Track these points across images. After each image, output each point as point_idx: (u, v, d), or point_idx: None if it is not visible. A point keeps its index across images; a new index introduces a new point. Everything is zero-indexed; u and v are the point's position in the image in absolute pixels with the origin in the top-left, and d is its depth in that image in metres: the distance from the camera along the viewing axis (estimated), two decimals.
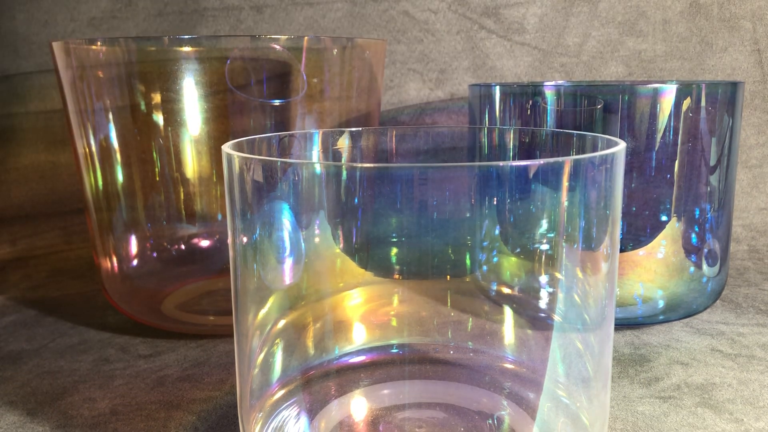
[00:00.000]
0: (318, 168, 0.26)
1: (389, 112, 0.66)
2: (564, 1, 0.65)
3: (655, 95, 0.42)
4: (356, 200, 0.31)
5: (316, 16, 0.65)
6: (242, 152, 0.28)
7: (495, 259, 0.33)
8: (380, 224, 0.33)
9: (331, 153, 0.36)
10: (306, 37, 0.44)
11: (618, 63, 0.65)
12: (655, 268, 0.45)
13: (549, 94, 0.44)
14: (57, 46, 0.44)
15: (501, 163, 0.25)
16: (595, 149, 0.30)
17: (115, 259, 0.48)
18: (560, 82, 0.59)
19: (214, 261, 0.51)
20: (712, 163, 0.44)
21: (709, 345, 0.42)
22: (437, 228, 0.28)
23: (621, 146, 0.26)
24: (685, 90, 0.42)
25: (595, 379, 0.28)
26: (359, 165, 0.26)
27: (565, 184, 0.25)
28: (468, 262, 0.34)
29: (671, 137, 0.42)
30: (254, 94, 0.44)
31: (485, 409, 0.32)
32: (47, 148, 0.67)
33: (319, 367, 0.34)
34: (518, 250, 0.32)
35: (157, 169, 0.46)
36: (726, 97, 0.43)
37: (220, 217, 0.50)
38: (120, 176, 0.46)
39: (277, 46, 0.44)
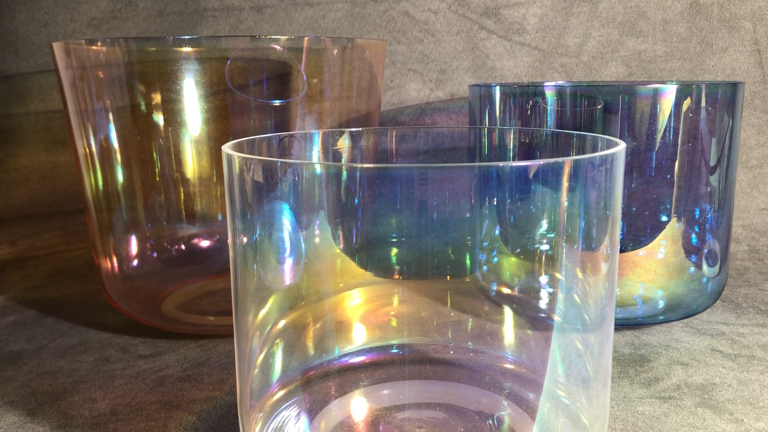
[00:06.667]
0: (318, 168, 0.26)
1: (389, 112, 0.66)
2: (564, 2, 0.65)
3: (655, 95, 0.42)
4: (356, 200, 0.31)
5: (316, 17, 0.65)
6: (242, 152, 0.28)
7: (495, 259, 0.33)
8: (380, 224, 0.33)
9: (331, 153, 0.36)
10: (306, 38, 0.44)
11: (618, 63, 0.65)
12: (655, 268, 0.45)
13: (549, 94, 0.44)
14: (57, 47, 0.44)
15: (501, 164, 0.25)
16: (595, 150, 0.30)
17: (115, 260, 0.48)
18: (560, 82, 0.59)
19: (214, 261, 0.51)
20: (712, 163, 0.44)
21: (709, 345, 0.42)
22: (437, 228, 0.28)
23: (621, 146, 0.26)
24: (685, 90, 0.42)
25: (595, 380, 0.28)
26: (359, 165, 0.26)
27: (565, 184, 0.25)
28: (468, 262, 0.34)
29: (671, 137, 0.42)
30: (254, 95, 0.44)
31: (485, 409, 0.32)
32: (47, 148, 0.67)
33: (319, 367, 0.34)
34: (518, 250, 0.32)
35: (157, 170, 0.46)
36: (726, 98, 0.43)
37: (220, 217, 0.50)
38: (120, 176, 0.46)
39: (277, 47, 0.44)
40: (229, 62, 0.43)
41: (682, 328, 0.45)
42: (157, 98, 0.44)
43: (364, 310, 0.37)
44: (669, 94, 0.42)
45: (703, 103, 0.42)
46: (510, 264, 0.33)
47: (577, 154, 0.32)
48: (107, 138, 0.45)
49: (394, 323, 0.37)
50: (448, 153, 0.38)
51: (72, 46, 0.43)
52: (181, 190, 0.47)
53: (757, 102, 0.66)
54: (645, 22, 0.65)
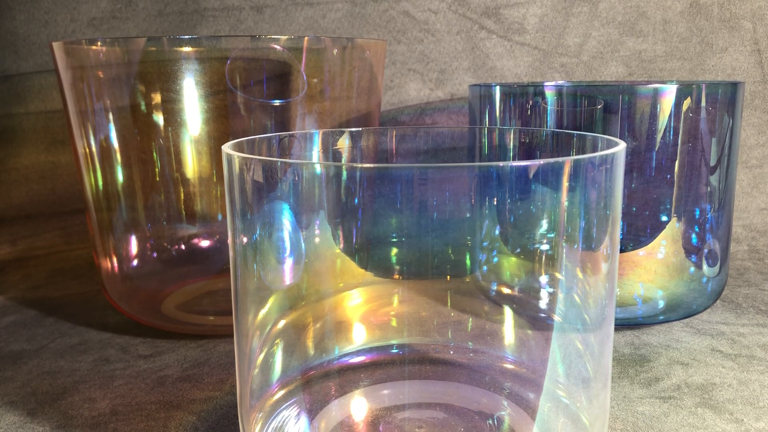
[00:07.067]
0: (318, 168, 0.26)
1: (389, 112, 0.66)
2: (564, 1, 0.65)
3: (655, 95, 0.42)
4: (356, 200, 0.31)
5: (316, 16, 0.65)
6: (242, 152, 0.28)
7: (495, 259, 0.33)
8: (380, 224, 0.33)
9: (331, 153, 0.36)
10: (306, 38, 0.44)
11: (618, 63, 0.65)
12: (655, 268, 0.45)
13: (549, 94, 0.44)
14: (57, 47, 0.44)
15: (501, 164, 0.25)
16: (595, 149, 0.30)
17: (115, 259, 0.48)
18: (560, 82, 0.59)
19: (214, 261, 0.51)
20: (712, 163, 0.44)
21: (709, 345, 0.42)
22: (437, 228, 0.28)
23: (621, 146, 0.26)
24: (685, 90, 0.42)
25: (595, 380, 0.28)
26: (359, 165, 0.26)
27: (565, 184, 0.25)
28: (468, 262, 0.34)
29: (671, 137, 0.42)
30: (254, 95, 0.44)
31: (485, 409, 0.32)
32: (47, 148, 0.67)
33: (319, 367, 0.34)
34: (518, 250, 0.32)
35: (157, 170, 0.46)
36: (726, 98, 0.43)
37: (220, 217, 0.50)
38: (120, 176, 0.46)
39: (278, 47, 0.44)
40: (229, 62, 0.43)
41: (682, 328, 0.45)
42: (157, 98, 0.44)
43: (364, 310, 0.37)
44: (669, 94, 0.42)
45: (703, 103, 0.42)
46: (510, 264, 0.33)
47: (577, 154, 0.32)
48: (107, 138, 0.45)
49: (394, 323, 0.37)
50: (448, 153, 0.38)
51: (72, 46, 0.43)
52: (181, 190, 0.47)
53: (757, 102, 0.66)
54: (645, 22, 0.65)
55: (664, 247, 0.45)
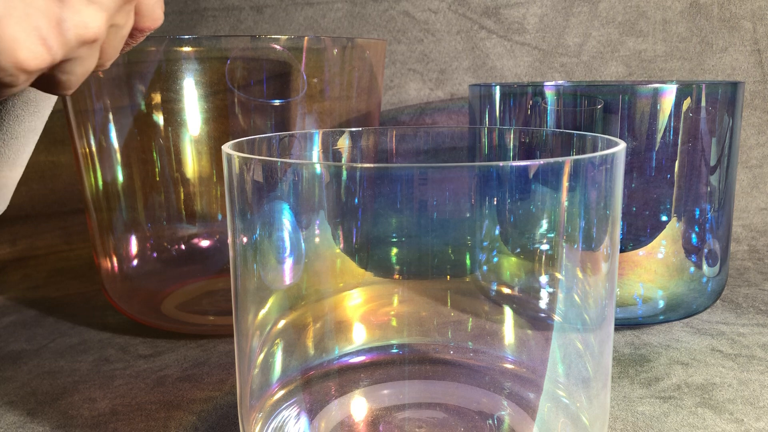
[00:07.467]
0: (318, 168, 0.26)
1: (389, 112, 0.66)
2: (564, 1, 0.65)
3: (655, 95, 0.42)
4: (356, 200, 0.31)
5: (316, 16, 0.65)
6: (242, 152, 0.28)
7: (495, 259, 0.33)
8: (380, 224, 0.33)
9: (331, 153, 0.36)
10: (306, 37, 0.44)
11: (618, 63, 0.65)
12: (655, 268, 0.45)
13: (549, 94, 0.44)
14: None
15: (501, 163, 0.25)
16: (595, 149, 0.30)
17: (115, 259, 0.48)
18: (560, 82, 0.59)
19: (214, 261, 0.51)
20: (712, 163, 0.44)
21: (709, 345, 0.42)
22: (437, 228, 0.28)
23: (621, 146, 0.26)
24: (685, 90, 0.42)
25: (595, 379, 0.28)
26: (359, 165, 0.26)
27: (565, 184, 0.25)
28: (468, 262, 0.34)
29: (671, 137, 0.42)
30: (254, 94, 0.44)
31: (485, 409, 0.32)
32: (47, 148, 0.67)
33: (319, 367, 0.34)
34: (518, 250, 0.32)
35: (157, 169, 0.46)
36: (726, 97, 0.43)
37: (220, 217, 0.50)
38: (120, 176, 0.46)
39: (277, 46, 0.44)
40: (229, 62, 0.43)
41: (682, 328, 0.45)
42: (157, 98, 0.44)
43: (364, 310, 0.37)
44: (669, 94, 0.42)
45: (703, 103, 0.42)
46: (510, 264, 0.33)
47: (577, 154, 0.32)
48: (107, 138, 0.45)
49: (394, 323, 0.37)
50: (448, 153, 0.38)
51: None
52: (181, 190, 0.47)
53: (757, 102, 0.66)
54: (645, 22, 0.65)
55: (664, 247, 0.45)
